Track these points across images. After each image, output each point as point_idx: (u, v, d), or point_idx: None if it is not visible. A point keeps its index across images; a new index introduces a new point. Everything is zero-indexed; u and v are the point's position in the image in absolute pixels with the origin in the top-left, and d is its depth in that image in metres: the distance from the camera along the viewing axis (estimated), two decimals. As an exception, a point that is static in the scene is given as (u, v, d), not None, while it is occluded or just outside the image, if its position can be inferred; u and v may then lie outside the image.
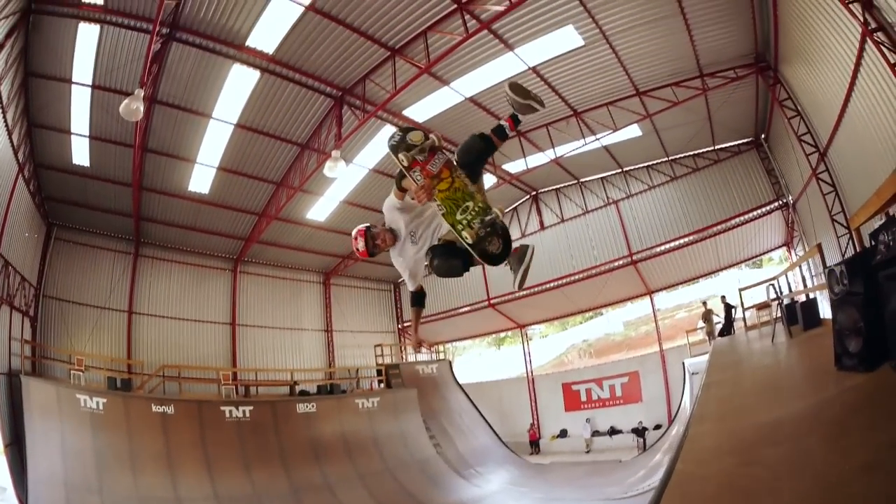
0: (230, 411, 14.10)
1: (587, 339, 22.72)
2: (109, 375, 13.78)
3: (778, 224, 16.35)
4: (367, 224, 3.36)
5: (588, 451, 18.94)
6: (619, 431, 18.74)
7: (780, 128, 13.62)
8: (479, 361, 24.80)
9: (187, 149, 13.86)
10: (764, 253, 18.14)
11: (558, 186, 20.21)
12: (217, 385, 15.48)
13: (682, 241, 17.19)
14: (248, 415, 14.31)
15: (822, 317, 7.81)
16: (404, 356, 23.03)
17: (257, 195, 16.11)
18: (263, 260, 19.81)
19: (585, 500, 12.44)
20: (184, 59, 11.20)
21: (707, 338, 14.87)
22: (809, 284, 14.11)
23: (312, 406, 15.77)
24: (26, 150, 12.60)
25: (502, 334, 23.82)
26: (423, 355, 22.47)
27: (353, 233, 3.34)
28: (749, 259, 18.39)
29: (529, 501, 13.72)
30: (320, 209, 17.86)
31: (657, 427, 17.43)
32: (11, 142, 11.37)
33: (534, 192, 20.93)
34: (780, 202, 15.94)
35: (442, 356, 22.56)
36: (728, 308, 13.83)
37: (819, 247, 10.68)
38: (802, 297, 9.41)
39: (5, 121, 10.78)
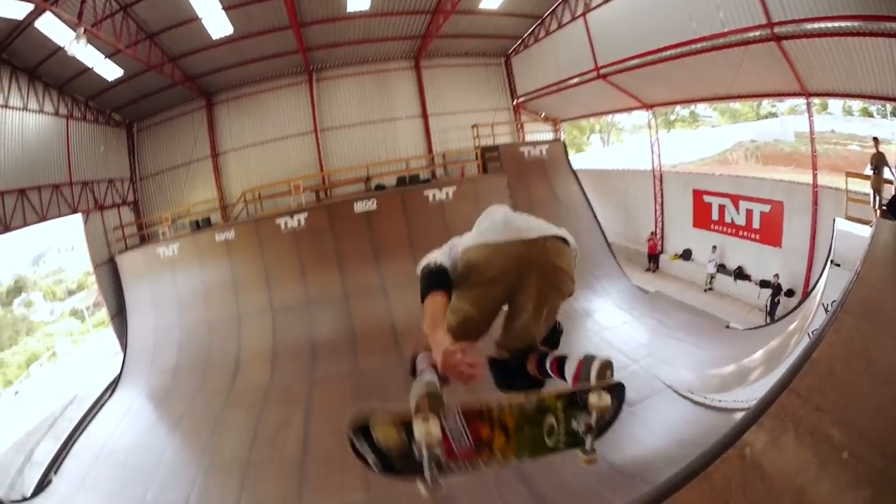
0: (285, 223, 13.89)
1: (755, 141, 18.00)
2: (196, 219, 15.31)
3: None
4: None
5: (708, 290, 14.92)
6: (747, 277, 14.22)
7: None
8: (638, 145, 19.85)
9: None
10: None
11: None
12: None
13: (852, 23, 9.73)
14: (303, 223, 13.87)
15: None
16: (522, 135, 18.73)
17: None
18: (347, 59, 17.35)
19: (647, 375, 9.58)
20: None
21: (872, 196, 8.38)
22: None
23: (372, 203, 14.05)
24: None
25: (672, 116, 20.09)
26: (543, 133, 18.23)
27: None
28: None
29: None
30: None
31: (789, 293, 12.64)
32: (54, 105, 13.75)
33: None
34: None
35: (559, 135, 18.32)
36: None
37: None
38: None
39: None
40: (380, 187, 15.53)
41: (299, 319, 13.07)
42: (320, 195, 16.26)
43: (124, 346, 14.87)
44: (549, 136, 18.88)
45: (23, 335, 23.25)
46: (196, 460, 10.16)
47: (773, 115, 20.50)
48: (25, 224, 12.97)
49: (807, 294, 10.75)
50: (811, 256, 12.61)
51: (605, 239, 15.50)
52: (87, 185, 15.07)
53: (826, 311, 6.72)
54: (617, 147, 22.55)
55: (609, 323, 12.25)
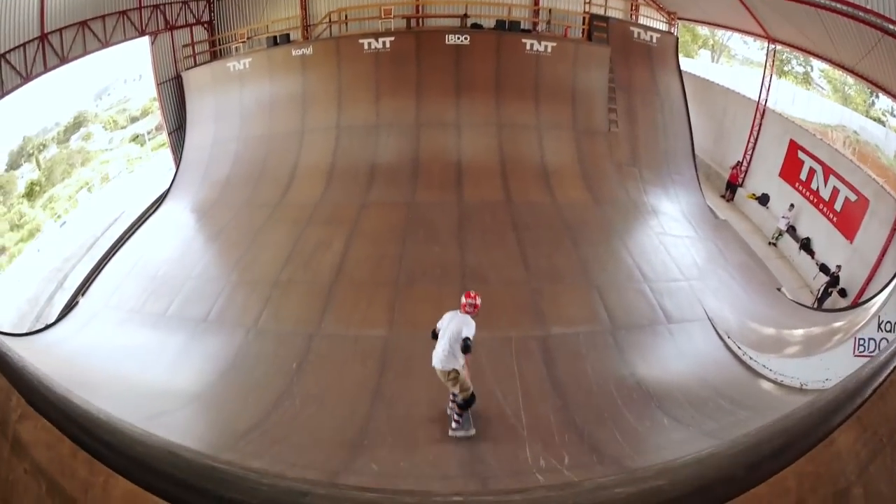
0: (369, 43, 12.97)
1: (858, 133, 16.57)
2: (273, 35, 14.44)
3: None
4: None
5: (771, 244, 14.08)
6: (811, 252, 13.47)
7: None
8: (745, 76, 18.69)
9: None
10: None
11: None
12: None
13: None
14: (387, 46, 12.93)
15: None
16: (635, 17, 16.98)
17: None
18: None
19: (693, 298, 9.09)
20: None
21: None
22: None
23: (465, 38, 12.96)
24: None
25: (786, 66, 18.33)
26: (655, 21, 16.57)
27: None
28: None
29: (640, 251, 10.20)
30: None
31: (842, 293, 11.93)
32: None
33: None
34: None
35: (672, 30, 16.30)
36: None
37: None
38: None
39: None
40: (476, 26, 14.35)
41: (364, 142, 12.28)
42: (411, 23, 15.10)
43: (178, 159, 14.36)
44: (664, 27, 17.30)
45: (77, 167, 22.93)
46: (226, 275, 9.73)
47: (881, 122, 19.15)
48: (85, 53, 12.34)
49: (857, 302, 10.60)
50: (875, 268, 11.76)
51: (693, 148, 14.36)
52: (158, 7, 14.26)
53: (880, 326, 6.66)
54: (725, 68, 20.75)
55: (672, 230, 11.36)
